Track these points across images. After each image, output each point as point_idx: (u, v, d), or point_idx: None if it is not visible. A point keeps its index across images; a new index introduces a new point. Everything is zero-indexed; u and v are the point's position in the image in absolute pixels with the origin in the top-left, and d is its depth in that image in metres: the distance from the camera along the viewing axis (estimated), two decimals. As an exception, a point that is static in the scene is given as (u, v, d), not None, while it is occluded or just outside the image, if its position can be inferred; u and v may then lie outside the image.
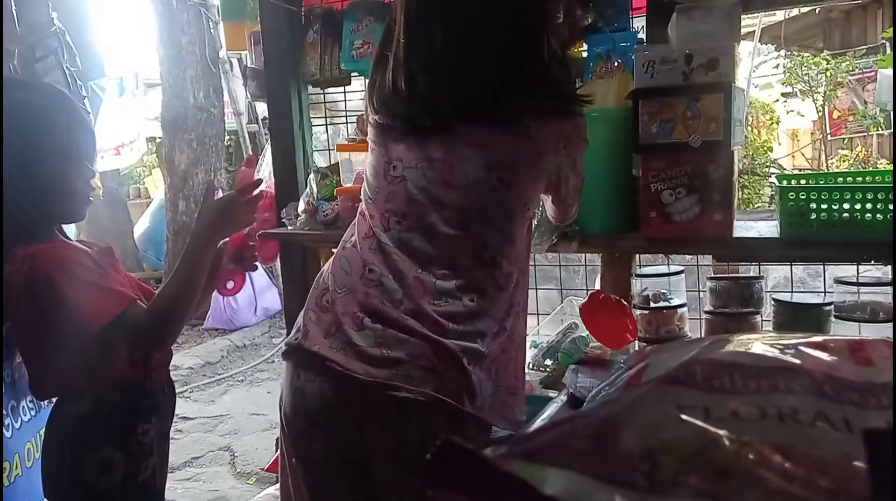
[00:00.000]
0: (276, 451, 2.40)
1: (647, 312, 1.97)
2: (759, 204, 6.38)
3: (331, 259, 1.35)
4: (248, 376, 4.79)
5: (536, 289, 2.53)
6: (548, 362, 2.21)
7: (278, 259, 2.55)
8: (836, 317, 1.68)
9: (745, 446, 0.34)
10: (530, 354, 2.25)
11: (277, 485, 2.35)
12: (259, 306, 5.67)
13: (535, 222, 1.77)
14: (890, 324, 1.65)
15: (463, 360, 1.17)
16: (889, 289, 1.68)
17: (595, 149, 1.76)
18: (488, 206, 1.23)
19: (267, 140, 3.00)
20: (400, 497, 1.20)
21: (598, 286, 2.10)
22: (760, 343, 0.45)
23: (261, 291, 5.67)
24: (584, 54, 2.08)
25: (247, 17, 2.60)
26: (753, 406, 0.37)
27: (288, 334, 2.39)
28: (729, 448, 0.34)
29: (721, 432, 0.35)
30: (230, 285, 1.68)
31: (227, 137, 6.65)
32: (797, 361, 0.42)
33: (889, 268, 1.73)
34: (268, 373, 4.76)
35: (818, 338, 0.48)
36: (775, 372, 0.41)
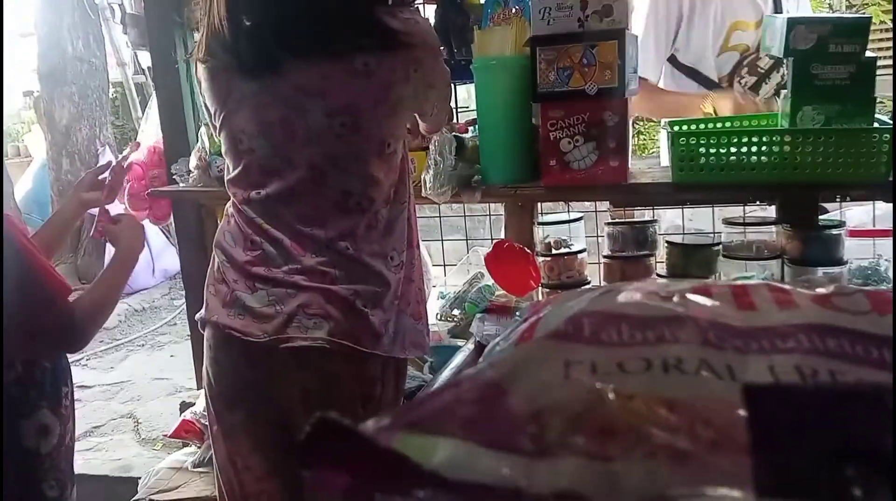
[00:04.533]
0: (181, 416, 2.34)
1: (549, 259, 2.00)
2: (654, 150, 6.58)
3: (217, 230, 1.34)
4: (148, 340, 4.62)
5: (442, 240, 2.54)
6: (455, 312, 2.23)
7: (172, 218, 2.44)
8: (724, 256, 1.76)
9: (631, 400, 0.34)
10: (438, 304, 2.27)
11: (184, 450, 2.30)
12: (157, 267, 5.44)
13: (431, 169, 1.76)
14: (775, 261, 1.74)
15: (356, 303, 1.20)
16: (773, 228, 1.77)
17: (494, 98, 1.75)
18: (339, 154, 1.20)
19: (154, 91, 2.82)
20: None
21: (502, 236, 2.12)
22: (648, 292, 0.46)
23: (158, 252, 5.44)
24: (482, 1, 2.05)
25: (123, -41, 2.41)
26: (639, 358, 0.37)
27: (187, 295, 2.36)
28: (615, 404, 0.33)
29: (607, 387, 0.35)
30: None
31: (111, 90, 6.25)
32: (682, 309, 0.43)
33: (773, 207, 1.82)
34: (169, 336, 4.61)
35: (703, 284, 0.49)
36: (661, 322, 0.41)
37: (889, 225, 1.88)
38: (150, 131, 2.47)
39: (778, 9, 2.16)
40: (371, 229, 1.23)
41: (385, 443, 0.30)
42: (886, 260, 1.75)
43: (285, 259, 1.22)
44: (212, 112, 1.27)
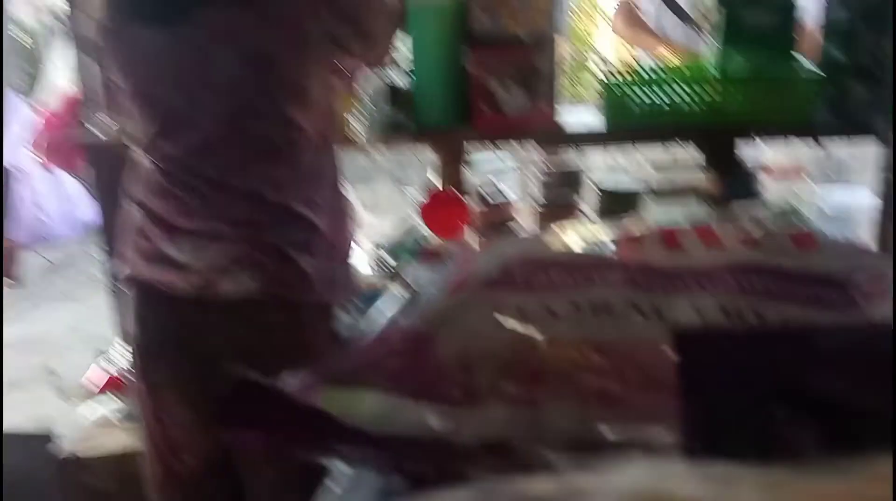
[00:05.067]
0: (102, 368, 2.29)
1: (482, 206, 2.00)
2: (586, 94, 6.62)
3: (131, 183, 1.28)
4: (67, 293, 4.46)
5: (374, 187, 2.51)
6: (389, 259, 2.21)
7: (89, 168, 2.32)
8: (651, 199, 1.79)
9: (561, 345, 0.33)
10: (371, 252, 2.25)
11: (108, 404, 2.25)
12: (74, 218, 5.20)
13: (362, 114, 1.72)
14: (699, 202, 1.78)
15: (286, 249, 1.17)
16: (697, 170, 1.81)
17: (427, 42, 1.71)
18: (257, 101, 1.16)
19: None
20: None
21: (435, 182, 2.10)
22: (578, 237, 0.45)
23: (75, 202, 5.20)
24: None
25: None
26: (569, 302, 0.37)
27: (108, 249, 2.27)
28: (544, 349, 0.33)
29: (536, 332, 0.34)
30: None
31: (25, 36, 5.85)
32: (612, 252, 0.43)
33: (698, 150, 1.86)
34: (88, 289, 4.44)
35: (633, 227, 0.49)
36: (590, 265, 0.41)
37: (804, 166, 1.95)
38: (66, 79, 2.33)
39: None
40: (296, 175, 1.20)
41: (307, 400, 0.28)
42: (803, 199, 1.82)
43: (209, 210, 1.18)
44: (119, 69, 1.20)
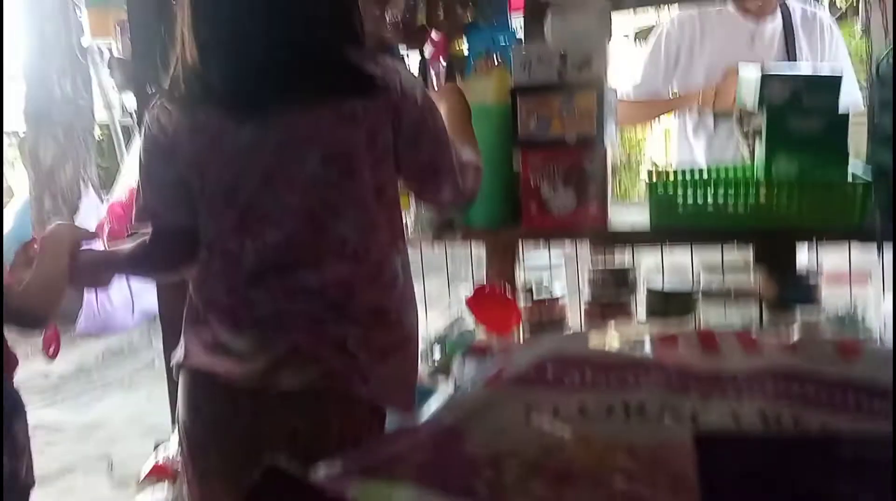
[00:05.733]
0: (156, 457, 2.29)
1: (530, 302, 2.00)
2: (635, 196, 6.69)
3: (196, 271, 1.30)
4: (126, 381, 4.54)
5: (423, 281, 2.53)
6: (436, 353, 2.21)
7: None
8: (703, 301, 1.77)
9: (591, 444, 0.34)
10: (424, 348, 2.25)
11: (158, 494, 2.24)
12: (137, 308, 5.36)
13: (414, 210, 1.77)
14: (753, 304, 1.75)
15: (347, 345, 1.17)
16: (750, 271, 1.78)
17: (479, 143, 1.78)
18: (337, 202, 1.19)
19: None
20: None
21: (484, 278, 2.12)
22: (616, 337, 0.46)
23: (138, 292, 5.34)
24: (466, 52, 2.10)
25: (111, 4, 2.45)
26: (601, 402, 0.37)
27: (164, 336, 2.30)
28: (574, 448, 0.33)
29: (567, 431, 0.34)
30: (52, 349, 1.61)
31: (98, 131, 6.25)
32: (648, 354, 0.43)
33: (750, 252, 1.84)
34: (147, 377, 4.53)
35: (672, 330, 0.49)
36: (626, 366, 0.41)
37: (863, 273, 1.90)
38: (134, 171, 2.46)
39: (791, 56, 2.15)
40: (366, 274, 1.21)
41: (339, 491, 0.29)
42: (862, 306, 1.77)
43: (276, 304, 1.19)
44: (193, 165, 1.22)
